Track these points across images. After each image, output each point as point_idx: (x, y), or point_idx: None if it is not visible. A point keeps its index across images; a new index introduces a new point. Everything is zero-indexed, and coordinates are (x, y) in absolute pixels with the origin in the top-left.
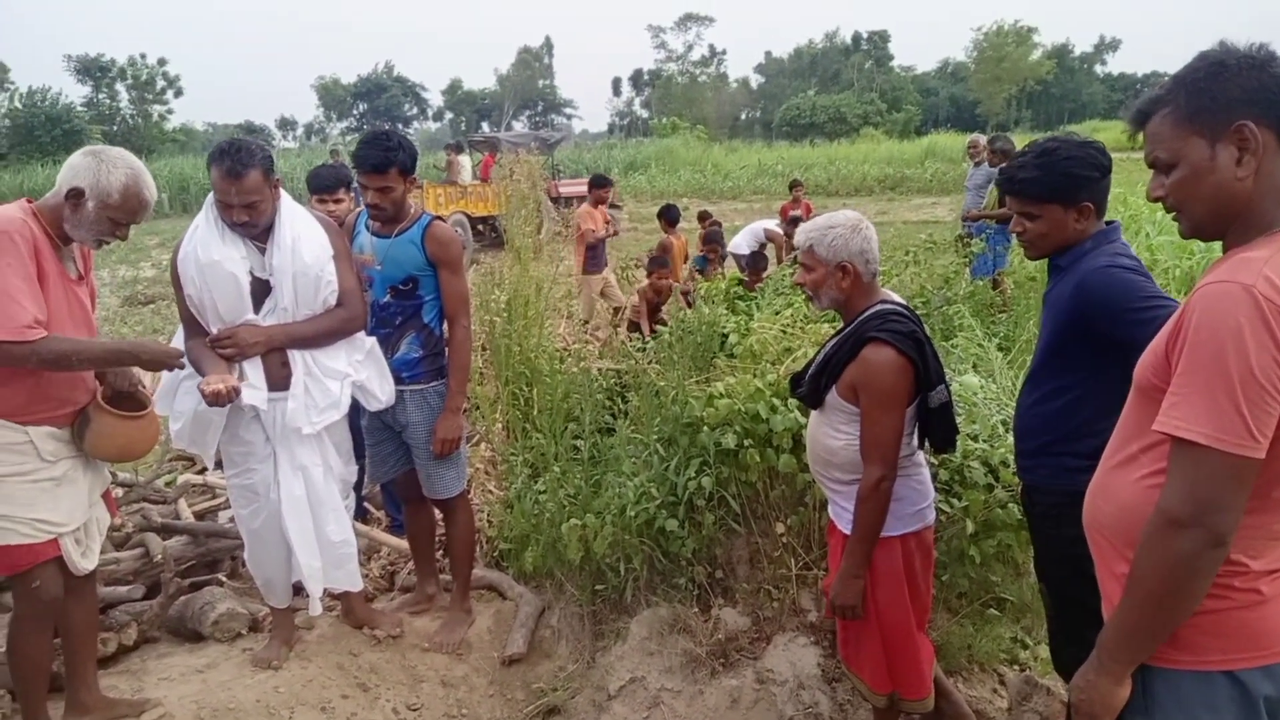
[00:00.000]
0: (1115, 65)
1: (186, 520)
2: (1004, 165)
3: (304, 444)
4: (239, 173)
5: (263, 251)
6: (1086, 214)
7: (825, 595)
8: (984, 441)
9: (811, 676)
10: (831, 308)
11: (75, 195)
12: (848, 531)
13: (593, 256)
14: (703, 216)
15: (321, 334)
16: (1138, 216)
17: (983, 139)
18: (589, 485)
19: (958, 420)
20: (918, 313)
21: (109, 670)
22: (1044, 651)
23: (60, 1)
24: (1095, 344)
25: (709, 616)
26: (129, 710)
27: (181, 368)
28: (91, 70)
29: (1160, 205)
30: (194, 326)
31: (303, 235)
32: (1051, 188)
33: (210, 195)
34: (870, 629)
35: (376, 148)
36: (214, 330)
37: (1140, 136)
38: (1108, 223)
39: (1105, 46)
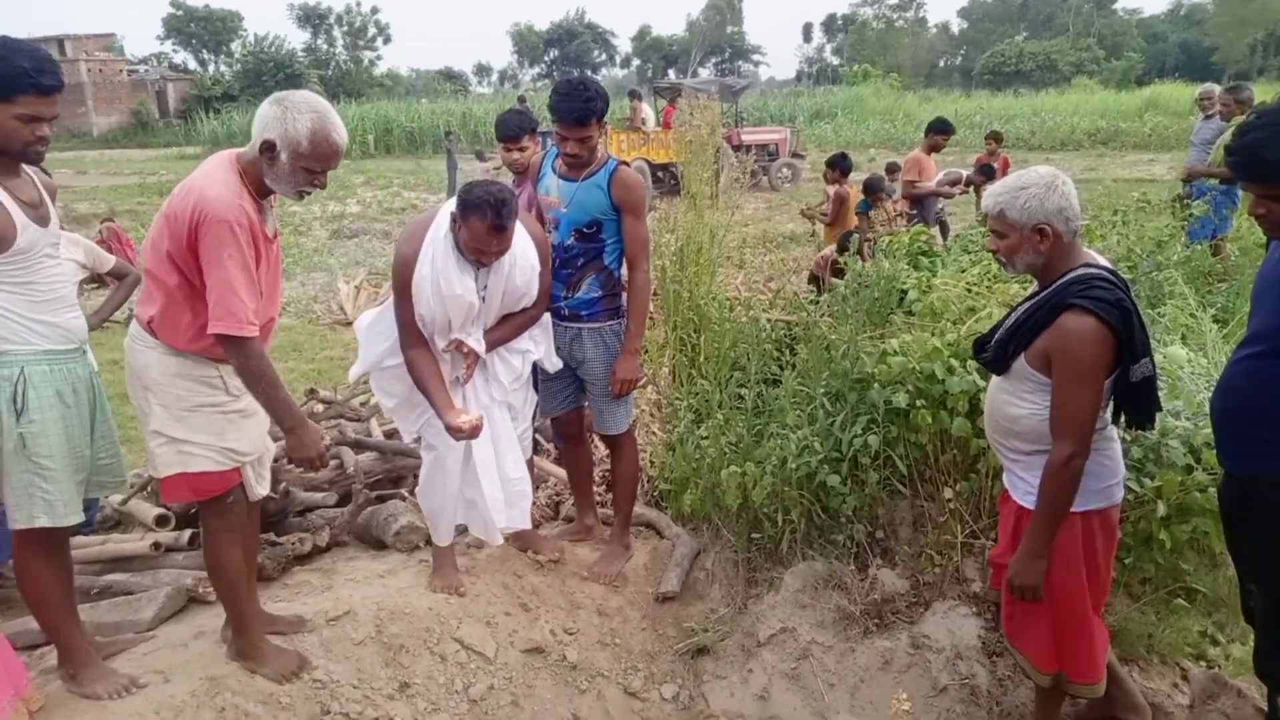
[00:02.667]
0: None
1: (377, 438)
2: (1232, 145)
3: (490, 385)
4: (504, 228)
5: (477, 273)
6: None
7: (991, 566)
8: (1187, 420)
9: (970, 648)
10: (1028, 272)
11: (268, 149)
12: (1022, 503)
13: (921, 208)
14: (891, 168)
15: (515, 335)
16: None
17: (1217, 89)
18: (751, 434)
19: (1159, 396)
20: (1124, 278)
21: (305, 567)
22: (1237, 651)
23: None
24: None
25: (866, 576)
26: (287, 627)
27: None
28: (311, 18)
29: None
30: (416, 334)
31: (518, 261)
32: None
33: (443, 214)
34: (1040, 606)
35: (576, 99)
36: (439, 341)
37: None
38: None
39: None
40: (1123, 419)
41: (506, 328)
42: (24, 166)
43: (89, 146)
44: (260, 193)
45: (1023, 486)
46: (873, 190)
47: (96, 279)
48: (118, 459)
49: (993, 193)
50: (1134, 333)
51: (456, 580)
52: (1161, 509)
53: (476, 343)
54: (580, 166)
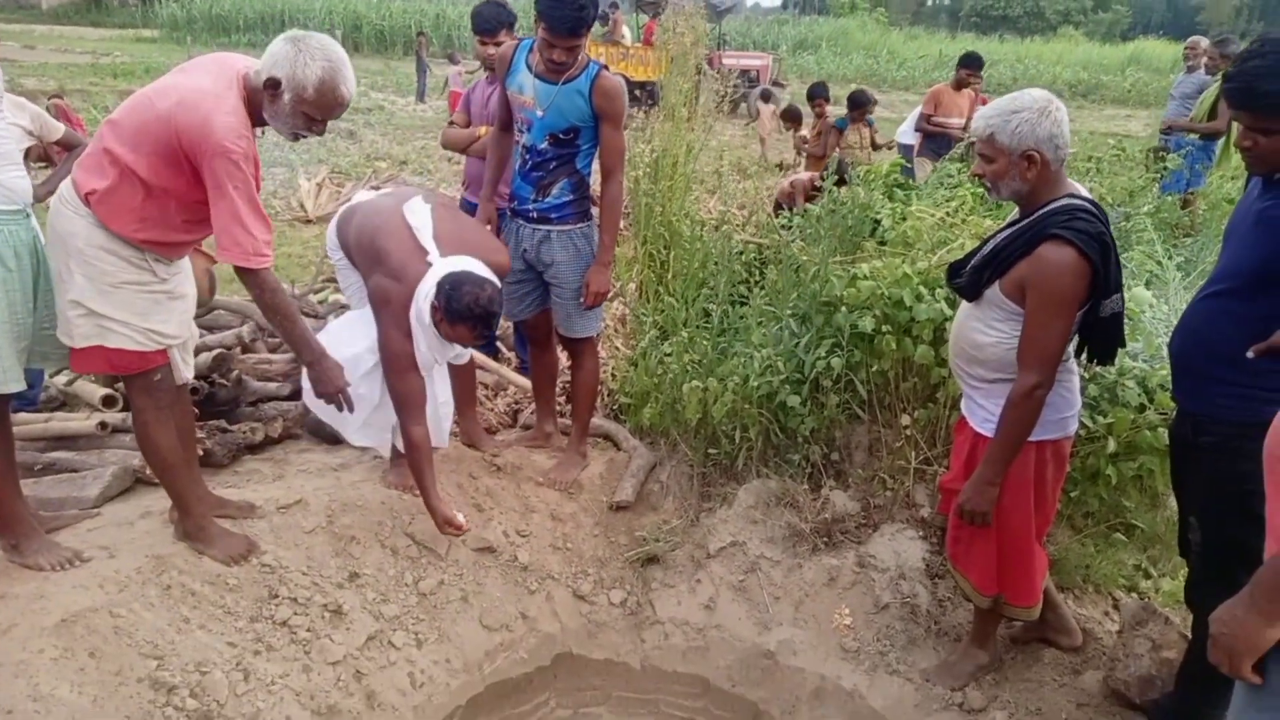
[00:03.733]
0: None
1: None
2: (1231, 71)
3: None
4: (489, 338)
5: None
6: None
7: (941, 491)
8: (1144, 361)
9: (914, 569)
10: (1011, 199)
11: (272, 85)
12: (980, 430)
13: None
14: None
15: None
16: None
17: (1204, 41)
18: (715, 352)
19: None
20: (1105, 212)
21: (257, 456)
22: (1167, 585)
23: None
24: None
25: (818, 496)
26: (236, 511)
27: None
28: None
29: None
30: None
31: None
32: None
33: (422, 293)
34: (987, 531)
35: (569, 7)
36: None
37: None
38: None
39: None
40: (1084, 354)
41: None
42: None
43: (37, 20)
44: (255, 120)
45: (980, 414)
46: (855, 106)
47: (44, 157)
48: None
49: (984, 114)
50: (1110, 268)
51: (410, 480)
52: (1111, 445)
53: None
54: (562, 70)
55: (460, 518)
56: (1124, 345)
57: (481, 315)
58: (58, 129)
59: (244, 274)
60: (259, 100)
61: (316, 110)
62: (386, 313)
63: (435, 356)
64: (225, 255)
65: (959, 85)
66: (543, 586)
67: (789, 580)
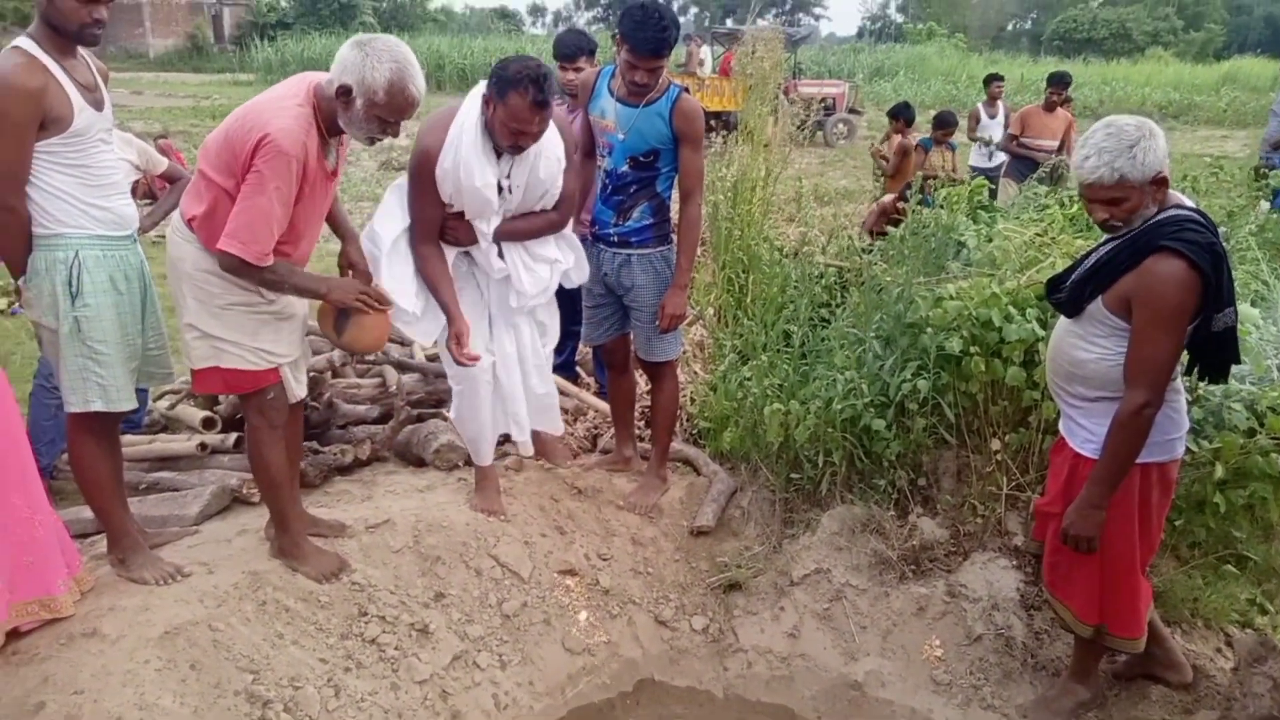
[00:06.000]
0: None
1: (419, 361)
2: None
3: (514, 296)
4: (546, 103)
5: (502, 161)
6: None
7: (1036, 515)
8: (1252, 383)
9: (1008, 599)
10: (1136, 223)
11: (344, 93)
12: (1081, 451)
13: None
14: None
15: (533, 232)
16: None
17: None
18: (796, 375)
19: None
20: (1214, 221)
21: (346, 477)
22: None
23: None
24: None
25: (905, 522)
26: (329, 530)
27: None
28: None
29: None
30: (428, 231)
31: (544, 152)
32: None
33: (472, 99)
34: (1088, 557)
35: (652, 28)
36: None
37: None
38: None
39: None
40: (1195, 371)
41: (521, 223)
42: (79, 50)
43: (145, 68)
44: (330, 130)
45: (1081, 434)
46: (940, 125)
47: (148, 193)
48: (165, 350)
49: (1099, 161)
50: (1223, 279)
51: (498, 504)
52: (1219, 472)
53: (485, 231)
54: (643, 93)
55: (466, 352)
56: (1238, 361)
57: (531, 76)
58: (162, 162)
59: (238, 263)
60: (332, 109)
61: (389, 112)
62: (412, 183)
63: (465, 177)
64: (230, 243)
65: (1050, 106)
66: (624, 611)
67: (876, 609)
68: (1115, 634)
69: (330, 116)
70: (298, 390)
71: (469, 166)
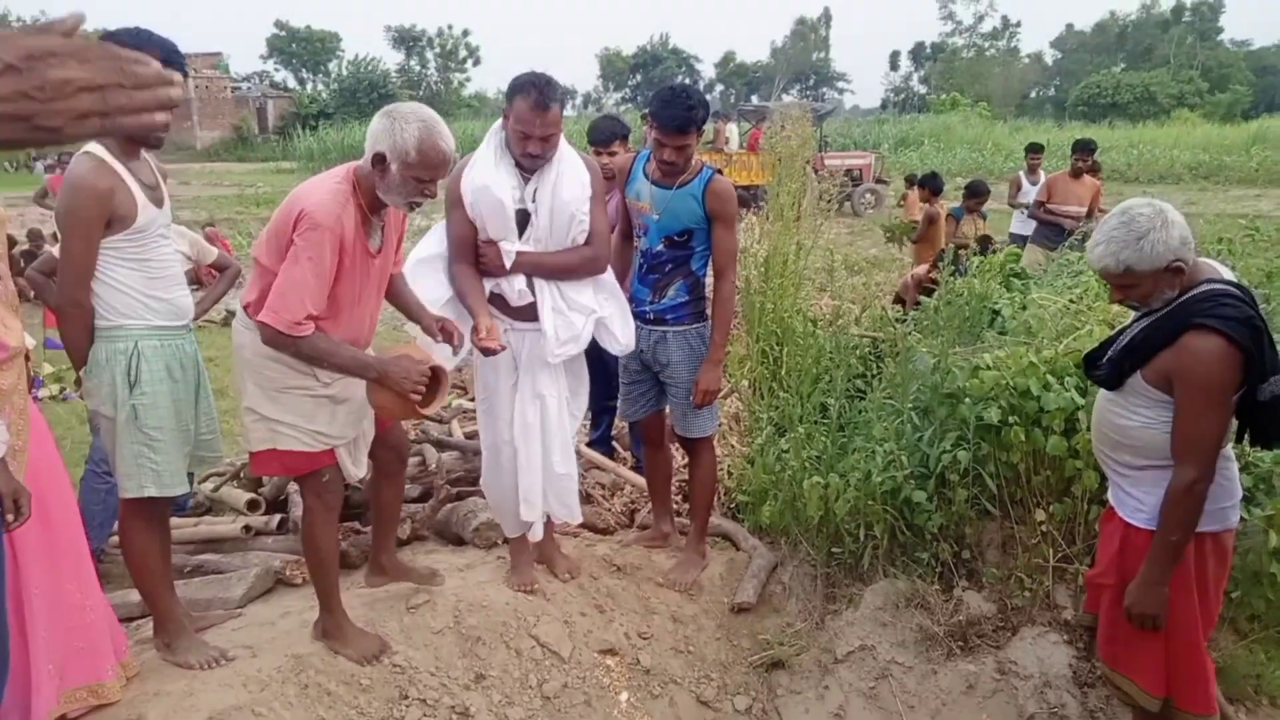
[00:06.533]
0: None
1: (458, 439)
2: None
3: (545, 373)
4: (547, 105)
5: (527, 182)
6: None
7: (1087, 587)
8: None
9: (1060, 676)
10: (1160, 302)
11: (379, 161)
12: (1131, 520)
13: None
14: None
15: (565, 268)
16: None
17: None
18: (834, 447)
19: None
20: (1252, 292)
21: None
22: None
23: None
24: None
25: (950, 596)
26: (419, 579)
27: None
28: (406, 39)
29: None
30: (464, 251)
31: (566, 172)
32: None
33: (496, 126)
34: (1149, 631)
35: (679, 107)
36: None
37: None
38: None
39: None
40: (1246, 438)
41: (551, 257)
42: (142, 151)
43: (192, 159)
44: (372, 207)
45: (1130, 504)
46: (972, 195)
47: (196, 280)
48: (216, 435)
49: (1107, 251)
50: (1264, 350)
51: (531, 577)
52: (1274, 540)
53: (509, 250)
54: (675, 174)
55: (489, 341)
56: None
57: (535, 80)
58: (211, 252)
59: (276, 336)
60: (371, 183)
61: (423, 171)
62: (447, 206)
63: (484, 189)
64: (268, 314)
65: (1076, 173)
66: (666, 691)
67: (923, 687)
68: (1185, 709)
69: (370, 192)
70: (354, 470)
71: (486, 174)
